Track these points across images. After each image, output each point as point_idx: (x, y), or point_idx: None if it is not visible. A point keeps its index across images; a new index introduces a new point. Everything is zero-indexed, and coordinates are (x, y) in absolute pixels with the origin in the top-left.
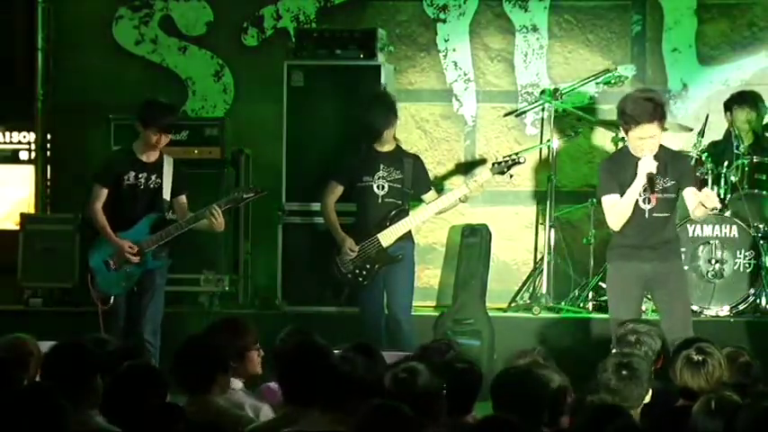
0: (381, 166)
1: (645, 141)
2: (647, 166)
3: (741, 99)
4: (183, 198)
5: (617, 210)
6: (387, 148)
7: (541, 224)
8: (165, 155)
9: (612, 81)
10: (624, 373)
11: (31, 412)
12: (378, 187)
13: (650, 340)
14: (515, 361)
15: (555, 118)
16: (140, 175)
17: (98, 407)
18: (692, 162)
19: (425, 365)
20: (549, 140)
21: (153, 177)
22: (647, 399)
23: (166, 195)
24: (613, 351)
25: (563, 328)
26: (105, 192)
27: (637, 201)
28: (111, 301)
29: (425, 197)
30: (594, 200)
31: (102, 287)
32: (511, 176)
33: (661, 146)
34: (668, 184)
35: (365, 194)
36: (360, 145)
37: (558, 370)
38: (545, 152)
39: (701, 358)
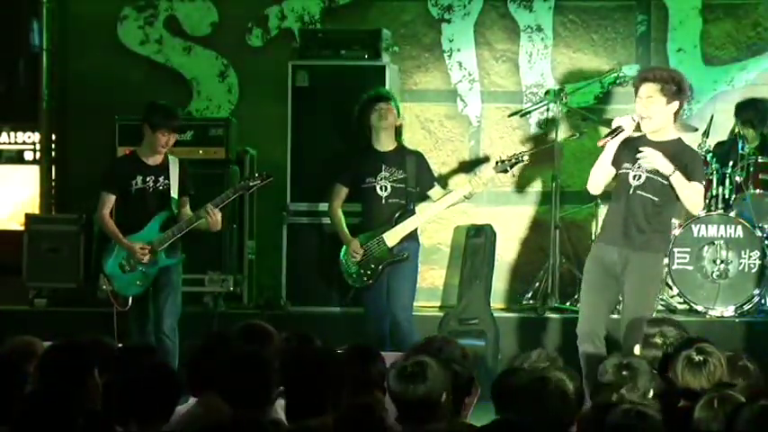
0: (384, 167)
1: (639, 101)
2: (623, 119)
3: (746, 115)
4: (186, 199)
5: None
6: (388, 147)
7: (546, 224)
8: (169, 155)
9: (617, 81)
10: (624, 373)
11: (38, 414)
12: (381, 188)
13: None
14: (528, 362)
15: (560, 118)
16: (148, 179)
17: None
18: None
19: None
20: (553, 141)
21: (161, 179)
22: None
23: (174, 194)
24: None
25: (568, 328)
26: (113, 198)
27: (628, 174)
28: (130, 302)
29: (431, 193)
30: (599, 200)
31: (121, 290)
32: (513, 175)
33: (679, 139)
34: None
35: (369, 196)
36: (360, 146)
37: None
38: (550, 152)
39: (701, 358)
